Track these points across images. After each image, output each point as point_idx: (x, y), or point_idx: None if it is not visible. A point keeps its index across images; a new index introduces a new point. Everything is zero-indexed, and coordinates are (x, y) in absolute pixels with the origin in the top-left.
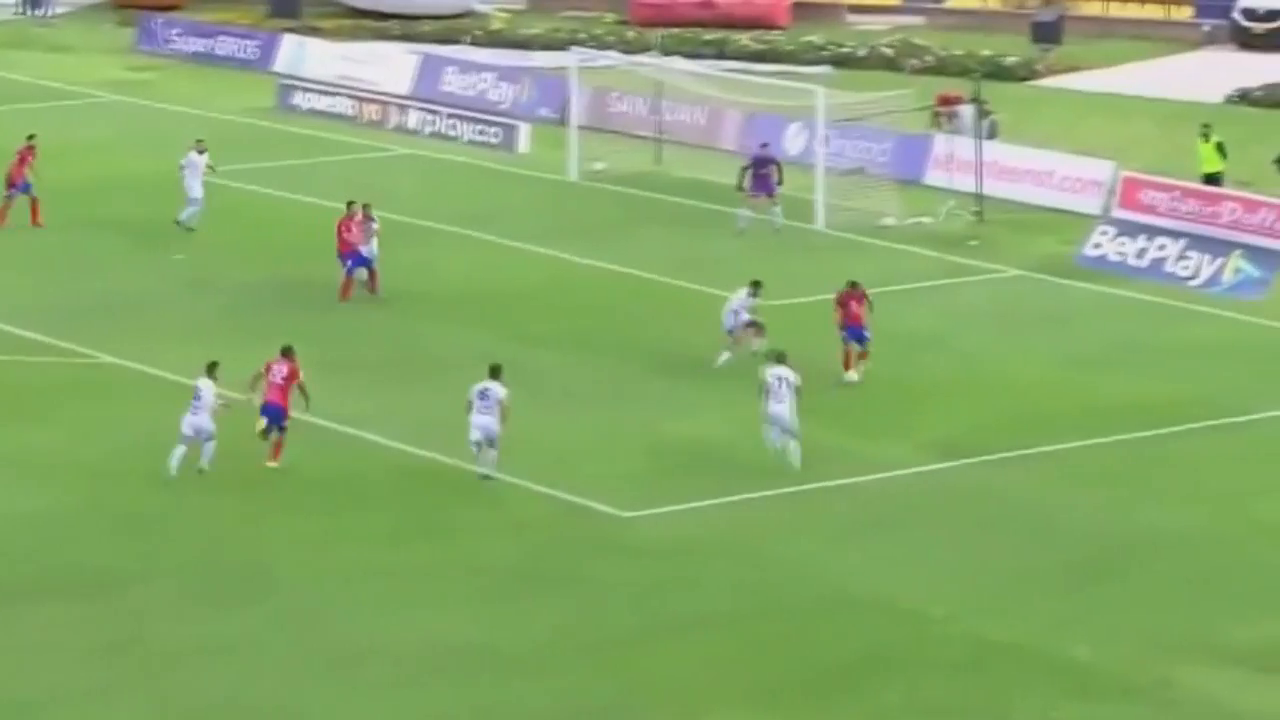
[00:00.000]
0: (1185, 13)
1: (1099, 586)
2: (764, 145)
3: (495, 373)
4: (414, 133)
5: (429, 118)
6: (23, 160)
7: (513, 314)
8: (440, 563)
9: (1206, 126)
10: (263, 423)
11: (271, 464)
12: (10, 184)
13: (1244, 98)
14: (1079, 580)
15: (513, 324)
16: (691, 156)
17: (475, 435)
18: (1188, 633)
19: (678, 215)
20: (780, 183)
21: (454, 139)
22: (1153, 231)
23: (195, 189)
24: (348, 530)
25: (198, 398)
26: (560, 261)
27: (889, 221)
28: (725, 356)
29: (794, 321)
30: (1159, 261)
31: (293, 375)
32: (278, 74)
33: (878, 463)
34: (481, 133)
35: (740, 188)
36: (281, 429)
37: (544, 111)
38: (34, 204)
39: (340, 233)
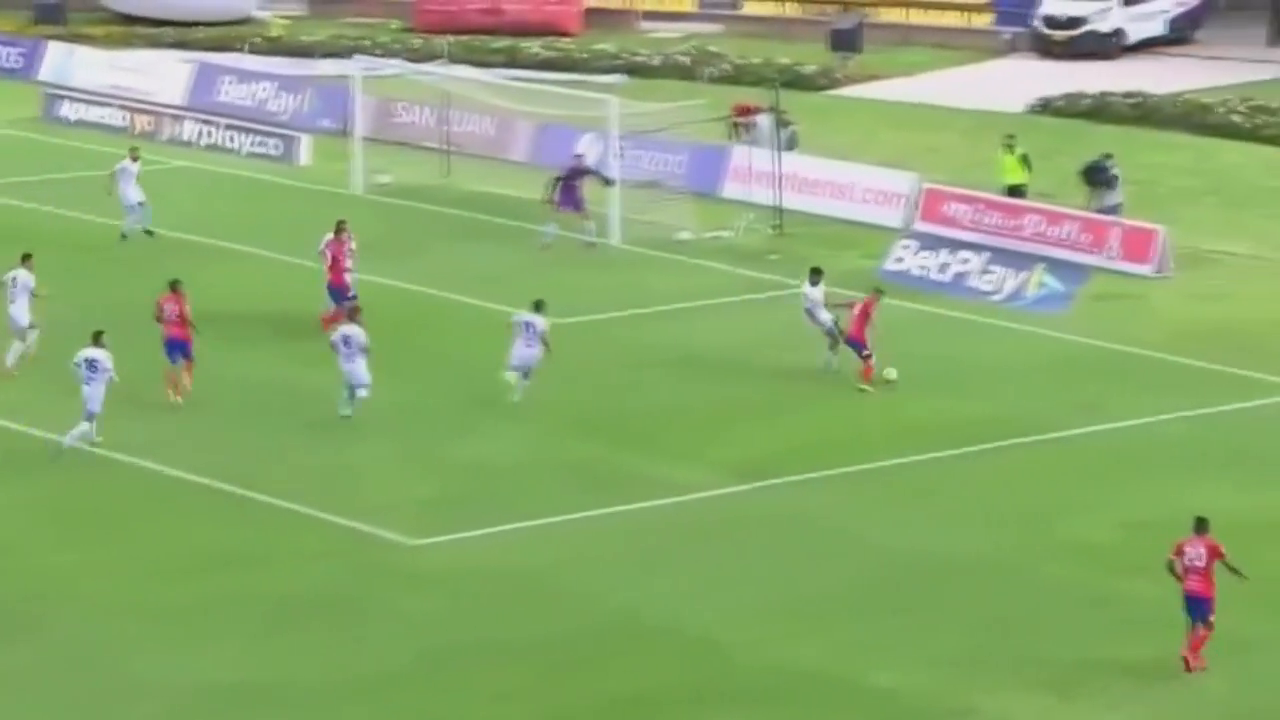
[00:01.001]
0: (985, 20)
1: (900, 610)
2: (578, 156)
3: (354, 314)
4: (189, 144)
5: (205, 129)
6: None
7: (294, 334)
8: (217, 596)
9: (1010, 137)
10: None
11: (177, 398)
12: None
13: (1045, 107)
14: (879, 604)
15: (294, 344)
16: (481, 169)
17: (348, 381)
18: (991, 657)
19: (467, 229)
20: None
21: (232, 151)
22: (955, 245)
23: (132, 195)
24: (121, 562)
25: (94, 369)
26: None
27: (686, 236)
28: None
29: (596, 339)
30: (962, 276)
31: (182, 310)
32: (43, 83)
33: (673, 486)
34: (261, 144)
35: (549, 200)
36: (189, 358)
37: (326, 122)
38: None
39: (337, 260)
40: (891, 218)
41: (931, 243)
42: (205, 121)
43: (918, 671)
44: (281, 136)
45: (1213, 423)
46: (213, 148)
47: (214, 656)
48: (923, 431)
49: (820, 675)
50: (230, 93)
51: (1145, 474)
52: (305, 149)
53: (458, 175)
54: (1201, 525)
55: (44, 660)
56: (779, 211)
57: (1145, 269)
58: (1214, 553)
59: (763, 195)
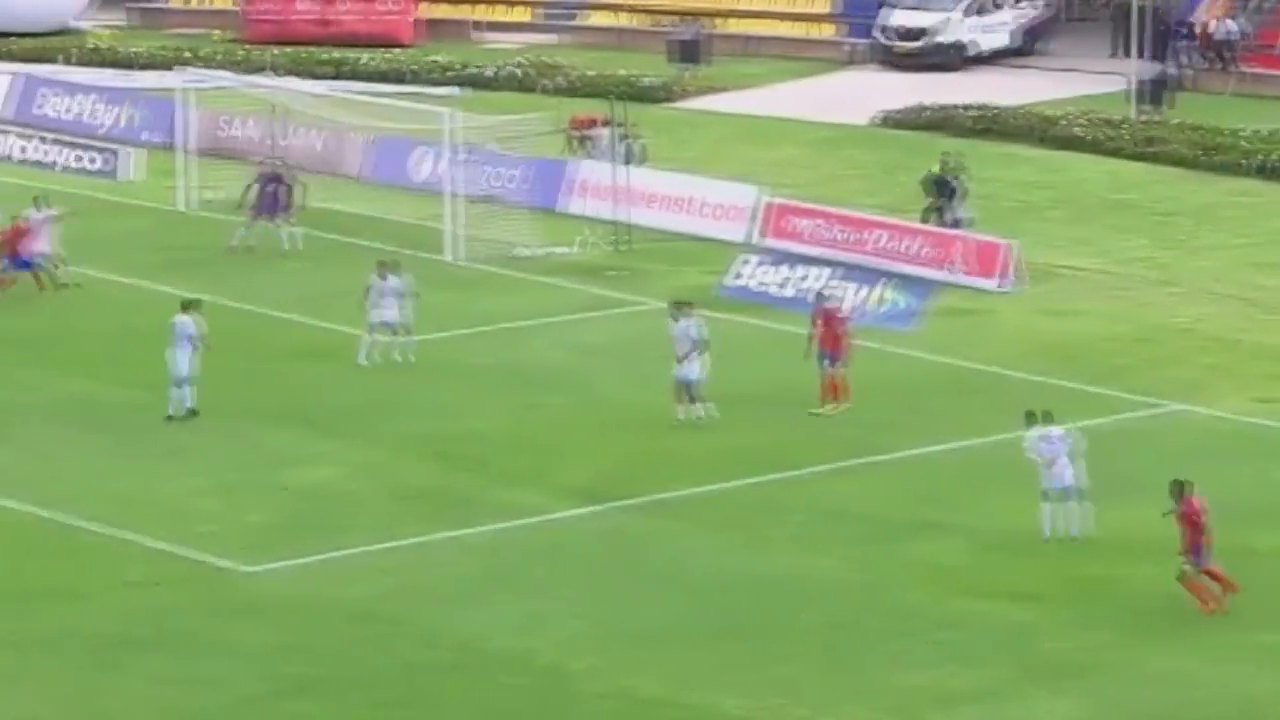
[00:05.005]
0: (829, 32)
1: (745, 635)
2: (275, 160)
3: (187, 306)
4: (6, 159)
5: (24, 143)
6: None
7: (118, 357)
8: (39, 630)
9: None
10: None
11: None
12: None
13: (890, 120)
14: (724, 629)
15: (118, 368)
16: (312, 183)
17: (182, 372)
18: (838, 681)
19: (296, 248)
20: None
21: (51, 166)
22: (800, 260)
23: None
24: None
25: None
26: (170, 298)
27: (525, 252)
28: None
29: (434, 360)
30: (806, 292)
31: None
32: None
33: (511, 509)
34: (81, 159)
35: (247, 206)
36: None
37: (151, 136)
38: None
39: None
40: (734, 233)
41: (775, 258)
42: (24, 135)
43: (765, 696)
44: (104, 151)
45: None
46: (31, 163)
47: (34, 694)
48: (758, 452)
49: (668, 702)
50: (50, 105)
51: (992, 494)
52: (130, 164)
53: None
54: (1182, 487)
55: None
56: (621, 227)
57: (993, 284)
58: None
59: (603, 210)
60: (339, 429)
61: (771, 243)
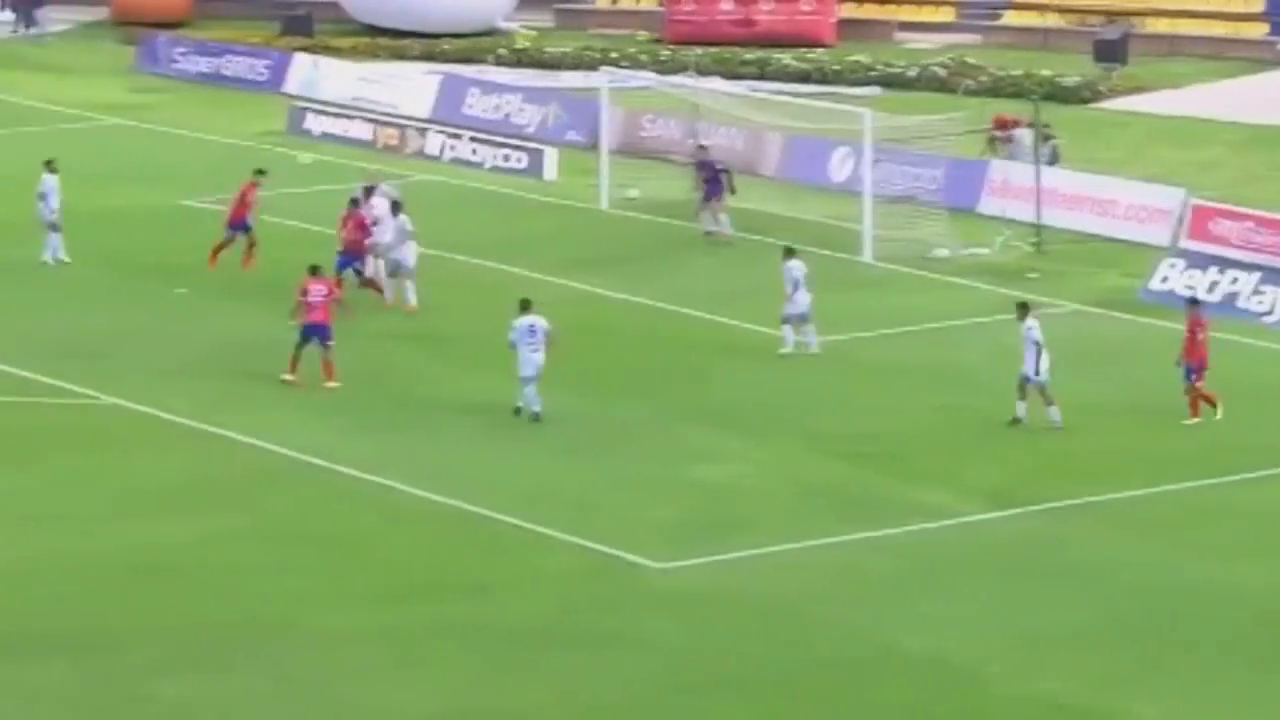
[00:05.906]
0: (1258, 31)
1: (1159, 644)
2: (702, 147)
3: (528, 306)
4: (434, 158)
5: (450, 142)
6: (244, 199)
7: None
8: (451, 619)
9: None
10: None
11: (331, 384)
12: (232, 224)
13: None
14: (1137, 637)
15: None
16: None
17: (528, 372)
18: (1258, 691)
19: (714, 245)
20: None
21: (476, 165)
22: (1224, 264)
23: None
24: (352, 585)
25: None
26: (590, 295)
27: (942, 253)
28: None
29: (845, 360)
30: (1231, 296)
31: (331, 292)
32: (289, 96)
33: (924, 511)
34: (506, 158)
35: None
36: (328, 345)
37: (573, 135)
38: (251, 246)
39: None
40: (1156, 235)
41: (1199, 261)
42: (450, 134)
43: (1183, 705)
44: (528, 150)
45: None
46: (457, 161)
47: (445, 683)
48: (1180, 459)
49: (1082, 708)
50: (475, 105)
51: None
52: (552, 163)
53: None
54: None
55: (279, 684)
56: (1039, 228)
57: None
58: None
59: (1022, 211)
60: (748, 425)
61: (1193, 245)
